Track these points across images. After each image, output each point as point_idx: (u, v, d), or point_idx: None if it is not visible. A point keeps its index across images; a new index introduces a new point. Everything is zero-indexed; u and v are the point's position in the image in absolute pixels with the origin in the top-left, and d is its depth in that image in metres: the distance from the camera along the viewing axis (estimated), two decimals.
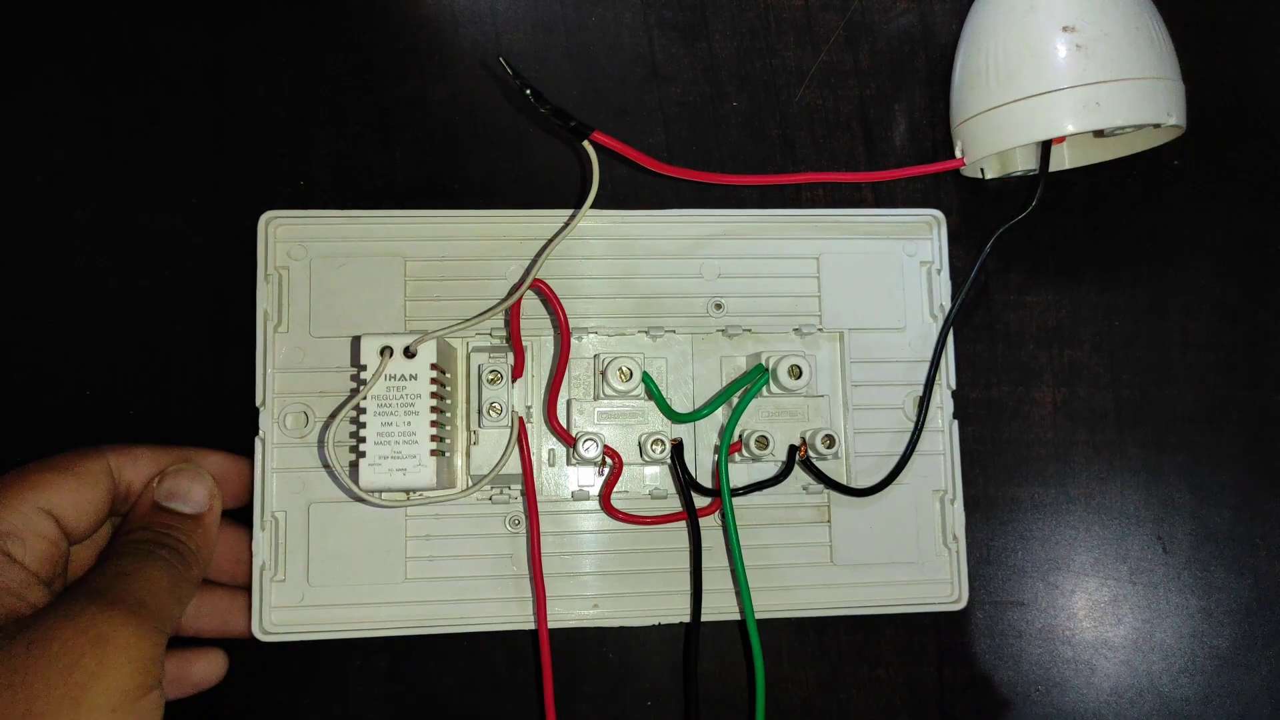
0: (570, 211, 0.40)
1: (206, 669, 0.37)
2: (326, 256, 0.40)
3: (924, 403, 0.40)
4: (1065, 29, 0.35)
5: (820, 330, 0.41)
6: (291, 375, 0.39)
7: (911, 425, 0.41)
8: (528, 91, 0.35)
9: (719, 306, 0.40)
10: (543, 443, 0.39)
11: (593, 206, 0.39)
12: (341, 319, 0.39)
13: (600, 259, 0.40)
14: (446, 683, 0.40)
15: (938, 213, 0.42)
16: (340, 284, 0.39)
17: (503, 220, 0.40)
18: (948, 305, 0.41)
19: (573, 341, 0.40)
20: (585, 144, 0.36)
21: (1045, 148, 0.40)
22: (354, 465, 0.35)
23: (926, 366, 0.41)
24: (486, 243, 0.40)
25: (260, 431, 0.38)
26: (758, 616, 0.39)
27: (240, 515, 0.38)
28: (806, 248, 0.41)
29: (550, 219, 0.40)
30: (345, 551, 0.38)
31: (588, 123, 0.36)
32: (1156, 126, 0.38)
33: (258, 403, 0.38)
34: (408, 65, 0.43)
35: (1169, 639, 0.42)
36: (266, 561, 0.38)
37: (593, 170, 0.36)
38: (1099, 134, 0.40)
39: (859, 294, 0.41)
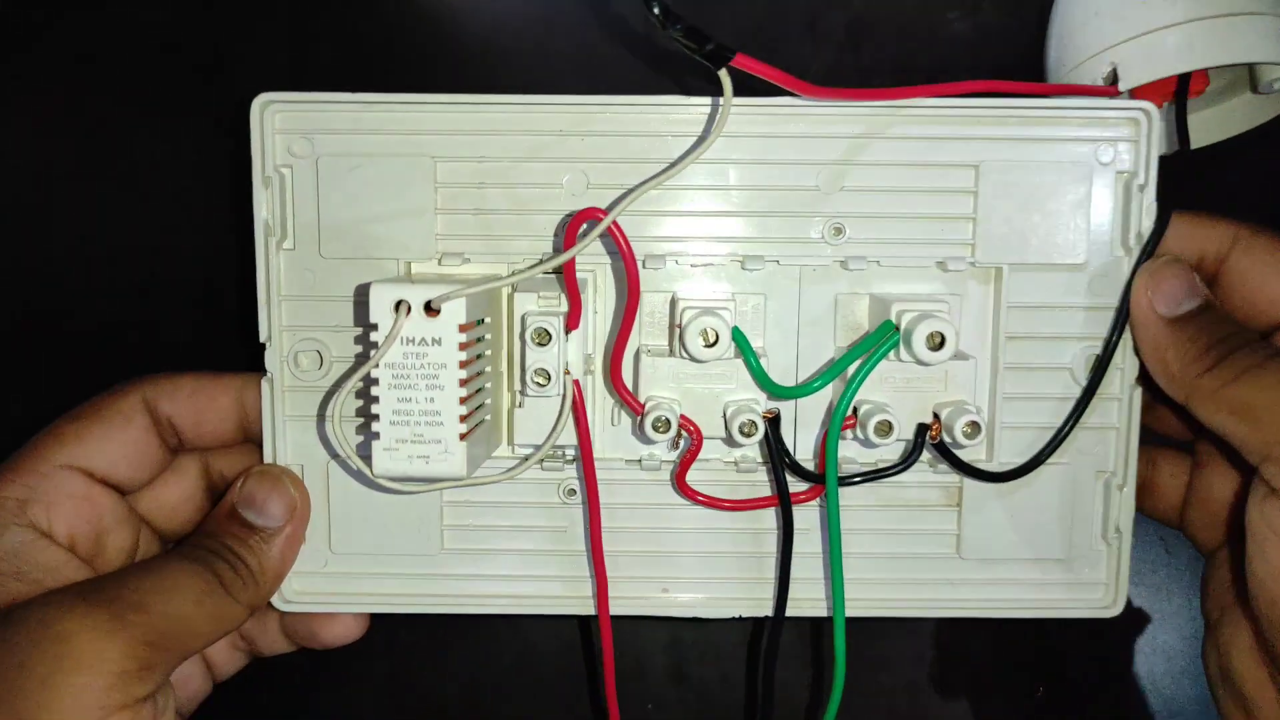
0: (640, 99, 0.30)
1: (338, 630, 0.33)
2: (337, 154, 0.31)
3: (1103, 362, 0.31)
4: None
5: (973, 264, 0.31)
6: (301, 304, 0.32)
7: (1079, 391, 0.31)
8: (655, 7, 0.26)
9: (838, 231, 0.31)
10: (605, 401, 0.32)
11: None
12: (357, 236, 0.31)
13: (692, 162, 0.30)
14: (461, 672, 0.36)
15: (1149, 105, 0.30)
16: (355, 190, 0.31)
17: (557, 110, 0.31)
18: (1147, 234, 0.31)
19: (647, 271, 0.31)
20: (722, 73, 0.27)
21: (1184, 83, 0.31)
22: (367, 446, 0.28)
23: (1111, 315, 0.31)
24: (537, 138, 0.31)
25: (267, 372, 0.32)
26: (856, 615, 0.32)
27: None
28: (961, 152, 0.31)
29: (618, 110, 0.31)
30: (371, 516, 0.32)
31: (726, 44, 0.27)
32: None
33: (262, 338, 0.32)
34: None
35: (1172, 641, 0.40)
36: None
37: (725, 106, 0.28)
38: (1254, 88, 0.34)
39: (1027, 217, 0.31)
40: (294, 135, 0.31)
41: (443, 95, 0.31)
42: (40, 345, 0.38)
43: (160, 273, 0.38)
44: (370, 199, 0.31)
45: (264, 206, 0.31)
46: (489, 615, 0.33)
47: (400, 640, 0.40)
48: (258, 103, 0.31)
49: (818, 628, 0.39)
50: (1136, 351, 0.31)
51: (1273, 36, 0.31)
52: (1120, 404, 0.32)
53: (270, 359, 0.32)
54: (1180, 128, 0.32)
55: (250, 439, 0.32)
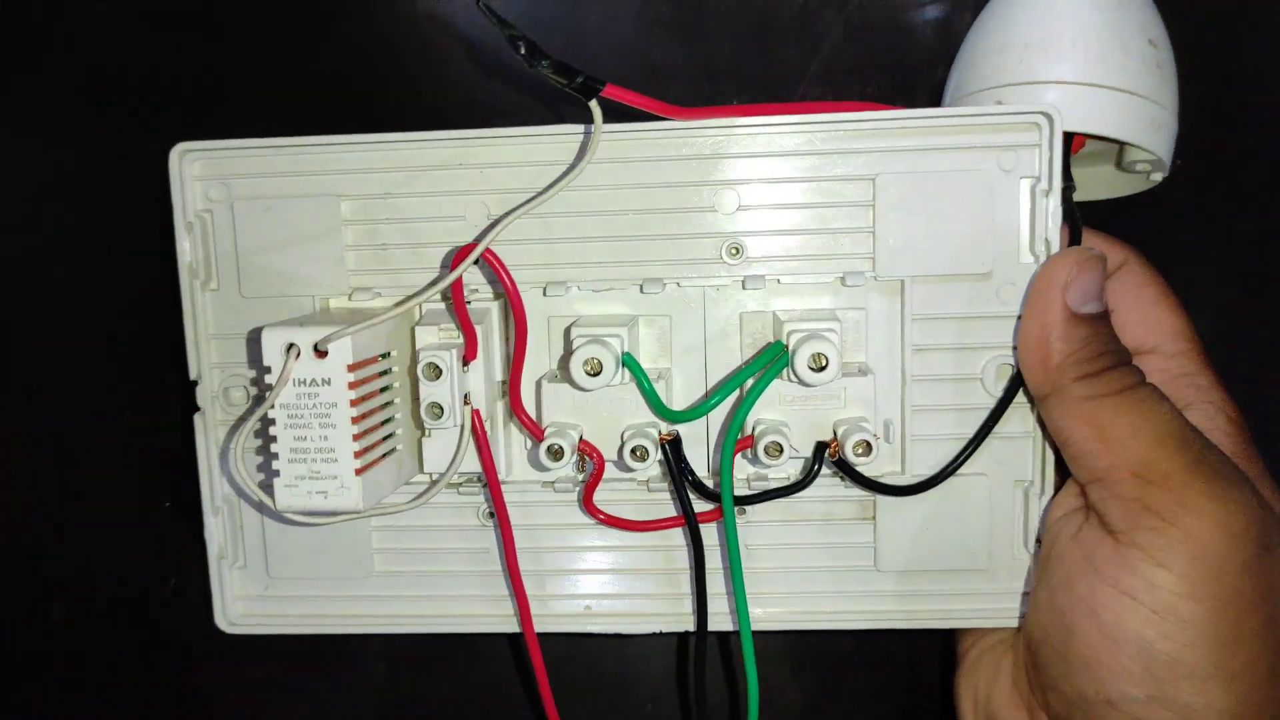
0: (531, 129, 0.31)
1: None
2: (252, 197, 0.32)
3: (1016, 373, 0.30)
4: (1151, 42, 0.31)
5: (874, 278, 0.31)
6: (228, 342, 0.33)
7: (993, 401, 0.31)
8: (520, 45, 0.26)
9: (736, 251, 0.31)
10: (513, 429, 0.32)
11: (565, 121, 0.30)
12: (274, 275, 0.32)
13: (581, 188, 0.31)
14: (440, 688, 0.37)
15: (1052, 108, 0.30)
16: (270, 231, 0.32)
17: (451, 144, 0.31)
18: (1055, 240, 0.30)
19: (550, 298, 0.32)
20: (592, 104, 0.27)
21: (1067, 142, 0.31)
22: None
23: (1017, 323, 0.31)
24: (437, 173, 0.31)
25: (200, 409, 0.33)
26: (770, 629, 0.33)
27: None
28: (858, 165, 0.30)
29: (510, 141, 0.31)
30: (306, 541, 0.34)
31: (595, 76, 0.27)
32: (1151, 176, 0.34)
33: (192, 375, 0.33)
34: None
35: None
36: (223, 548, 0.34)
37: (595, 133, 0.28)
38: (1118, 164, 0.35)
39: (928, 228, 0.30)
40: (211, 181, 0.32)
41: (346, 136, 0.32)
42: None
43: (98, 307, 0.40)
44: (284, 239, 0.32)
45: (187, 250, 0.33)
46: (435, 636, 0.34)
47: (396, 640, 0.41)
48: (175, 152, 0.32)
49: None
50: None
51: (1144, 121, 0.31)
52: (1033, 411, 0.31)
53: (202, 395, 0.33)
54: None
55: None
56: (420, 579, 0.34)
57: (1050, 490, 0.31)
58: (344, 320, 0.29)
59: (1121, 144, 0.34)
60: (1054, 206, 0.30)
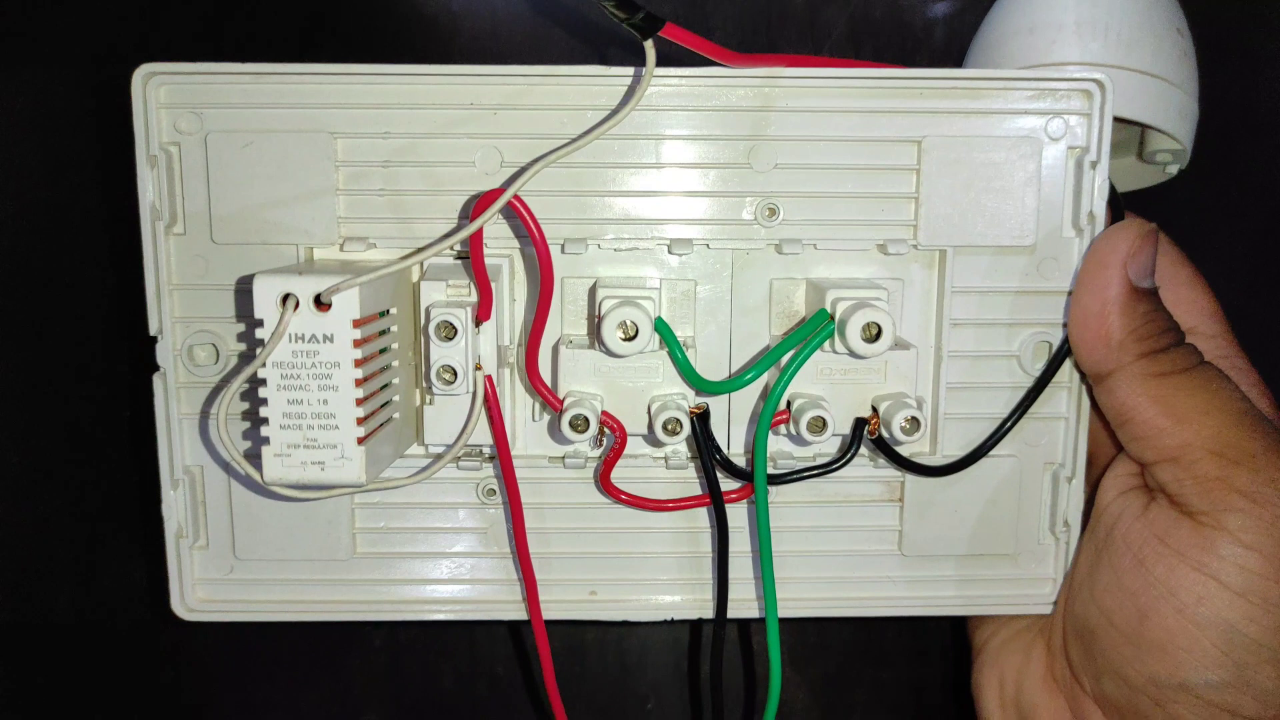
0: (556, 69, 0.28)
1: None
2: (228, 130, 0.28)
3: (1058, 349, 0.29)
4: (1178, 31, 0.31)
5: (915, 247, 0.29)
6: (194, 294, 0.29)
7: (1030, 380, 0.30)
8: None
9: (772, 212, 0.29)
10: (524, 395, 0.30)
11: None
12: (252, 219, 0.29)
13: (612, 137, 0.28)
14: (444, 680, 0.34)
15: (1102, 76, 0.28)
16: (248, 170, 0.28)
17: (466, 81, 0.28)
18: (1101, 214, 0.29)
19: (568, 256, 0.29)
20: (647, 43, 0.25)
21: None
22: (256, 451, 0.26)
23: (1061, 300, 0.29)
24: (446, 112, 0.28)
25: (159, 368, 0.29)
26: (794, 615, 0.31)
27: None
28: (905, 126, 0.29)
29: (532, 81, 0.28)
30: (277, 519, 0.30)
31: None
32: (1168, 168, 0.34)
33: (152, 330, 0.29)
34: None
35: None
36: (183, 526, 0.30)
37: (647, 76, 0.25)
38: (1139, 155, 0.34)
39: (973, 196, 0.29)
40: (180, 110, 0.28)
41: (341, 66, 0.28)
42: None
43: (25, 263, 0.35)
44: (265, 179, 0.28)
45: (150, 188, 0.29)
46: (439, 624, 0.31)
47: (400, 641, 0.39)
48: (139, 74, 0.28)
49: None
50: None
51: (1174, 107, 0.30)
52: (1070, 392, 0.30)
53: (162, 353, 0.29)
54: None
55: None
56: (408, 562, 0.31)
57: (1081, 473, 0.30)
58: (336, 273, 0.25)
59: (1145, 132, 0.34)
60: (1101, 180, 0.29)
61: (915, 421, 0.27)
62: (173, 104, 0.28)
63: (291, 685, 0.39)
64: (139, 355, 0.30)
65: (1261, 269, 0.39)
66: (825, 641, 0.38)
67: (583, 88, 0.28)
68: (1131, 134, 0.34)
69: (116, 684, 0.38)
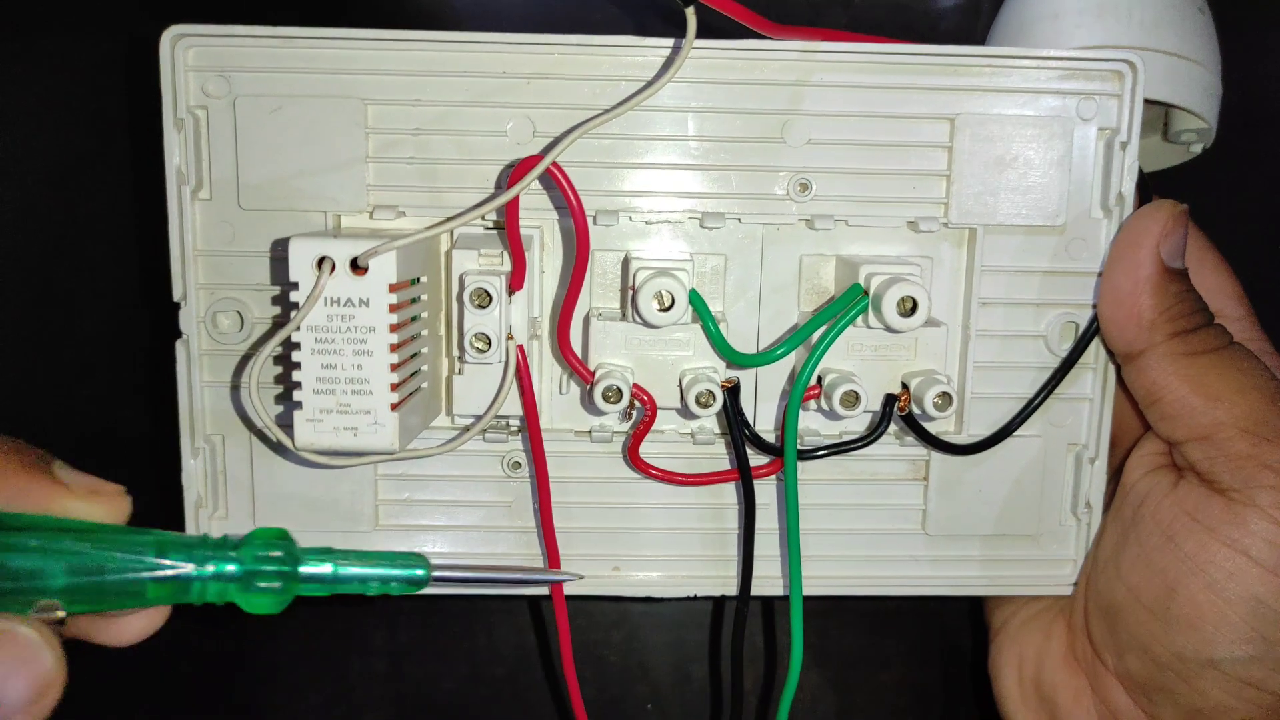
0: (591, 39, 0.28)
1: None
2: (257, 95, 0.28)
3: (1086, 330, 0.29)
4: (1200, 10, 0.32)
5: (946, 225, 0.29)
6: (219, 260, 0.29)
7: (1056, 360, 0.30)
8: None
9: (805, 188, 0.29)
10: (552, 368, 0.30)
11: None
12: (280, 186, 0.28)
13: (648, 109, 0.28)
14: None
15: (1134, 58, 0.29)
16: (277, 135, 0.28)
17: (500, 50, 0.28)
18: (1130, 196, 0.29)
19: (599, 229, 0.29)
20: (689, 10, 0.25)
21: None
22: (290, 415, 0.25)
23: (1090, 281, 0.29)
24: (479, 81, 0.28)
25: (182, 334, 0.29)
26: (818, 593, 0.31)
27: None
28: (939, 103, 0.29)
29: (567, 50, 0.28)
30: (298, 490, 0.30)
31: None
32: (1192, 148, 0.35)
33: (176, 297, 0.29)
34: None
35: None
36: (202, 496, 0.30)
37: (687, 45, 0.25)
38: (1164, 134, 0.35)
39: (1004, 175, 0.29)
40: (209, 73, 0.28)
41: (374, 31, 0.28)
42: None
43: (48, 230, 0.35)
44: (294, 145, 0.28)
45: (176, 152, 0.28)
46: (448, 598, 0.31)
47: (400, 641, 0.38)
48: (168, 36, 0.28)
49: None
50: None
51: (1200, 87, 0.31)
52: (1095, 373, 0.30)
53: (185, 320, 0.29)
54: None
55: None
56: (432, 535, 0.30)
57: (1104, 455, 0.30)
58: (369, 238, 0.25)
59: (1169, 112, 0.34)
60: (1131, 161, 0.29)
61: (947, 397, 0.27)
62: (201, 67, 0.28)
63: (292, 685, 0.39)
64: (161, 321, 0.29)
65: (1262, 268, 0.39)
66: (825, 641, 0.38)
67: (617, 58, 0.28)
68: (1155, 115, 0.34)
69: (117, 684, 0.37)
